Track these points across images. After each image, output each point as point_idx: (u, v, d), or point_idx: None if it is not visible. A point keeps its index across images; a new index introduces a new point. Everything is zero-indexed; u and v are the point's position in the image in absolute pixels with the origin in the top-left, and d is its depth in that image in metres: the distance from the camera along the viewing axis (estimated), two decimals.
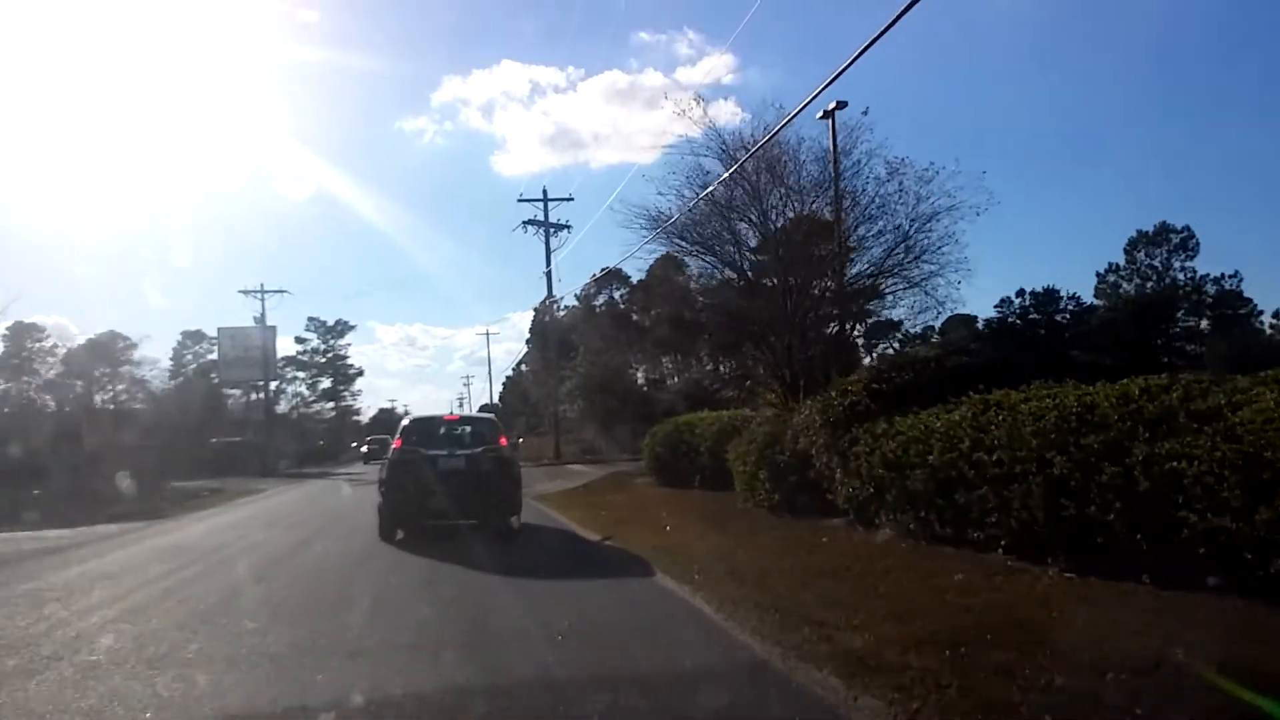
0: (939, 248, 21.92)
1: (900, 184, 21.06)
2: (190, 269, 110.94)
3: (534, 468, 37.64)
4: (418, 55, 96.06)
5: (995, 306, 40.44)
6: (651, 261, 70.69)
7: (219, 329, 55.70)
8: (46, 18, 73.18)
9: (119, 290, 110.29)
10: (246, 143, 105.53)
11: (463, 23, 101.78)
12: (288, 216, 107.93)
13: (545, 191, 39.92)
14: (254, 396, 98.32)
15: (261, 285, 51.28)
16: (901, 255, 22.16)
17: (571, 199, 40.53)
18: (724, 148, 22.77)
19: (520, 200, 39.80)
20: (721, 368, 67.84)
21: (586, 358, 47.56)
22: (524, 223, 39.71)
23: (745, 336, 21.44)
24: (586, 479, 25.39)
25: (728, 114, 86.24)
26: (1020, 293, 39.94)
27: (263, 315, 51.20)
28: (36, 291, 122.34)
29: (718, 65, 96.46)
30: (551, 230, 39.93)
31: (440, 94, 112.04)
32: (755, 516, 14.33)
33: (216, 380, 64.58)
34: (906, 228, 22.08)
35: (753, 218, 21.00)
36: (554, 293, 39.84)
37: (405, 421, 14.79)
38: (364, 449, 55.05)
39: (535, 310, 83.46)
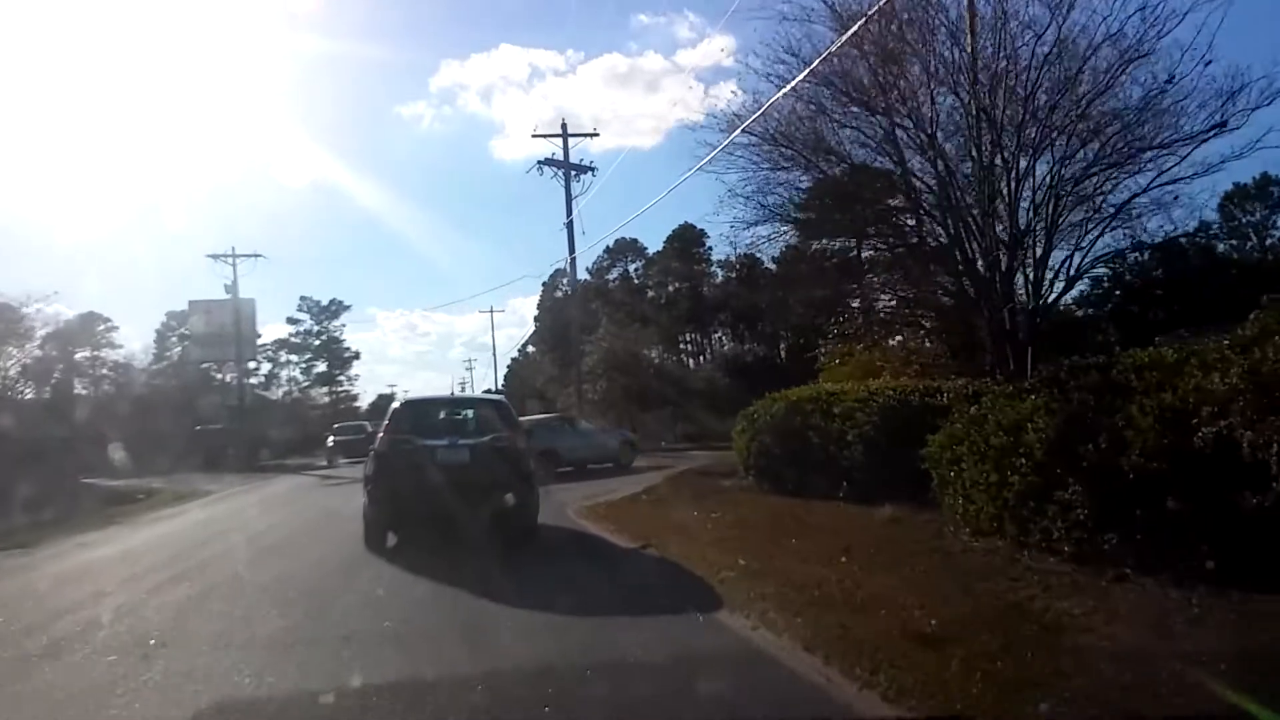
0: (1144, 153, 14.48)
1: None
2: (187, 256, 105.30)
3: None
4: (416, 40, 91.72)
5: (1108, 263, 33.00)
6: (668, 232, 63.51)
7: (190, 301, 48.05)
8: (36, 19, 68.31)
9: (114, 279, 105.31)
10: (244, 130, 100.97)
11: (460, 6, 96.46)
12: (286, 203, 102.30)
13: (564, 126, 32.48)
14: (245, 380, 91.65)
15: (233, 249, 43.66)
16: (1084, 165, 14.72)
17: (596, 134, 33.04)
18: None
19: (535, 136, 32.40)
20: (740, 340, 60.57)
21: (608, 329, 40.16)
22: (540, 163, 32.23)
23: (920, 255, 14.10)
24: (644, 481, 18.05)
25: (727, 95, 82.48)
26: (1138, 246, 32.67)
27: (234, 283, 43.53)
28: (26, 276, 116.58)
29: (717, 47, 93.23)
30: (574, 174, 32.44)
31: (439, 79, 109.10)
32: (1082, 586, 6.94)
33: (203, 363, 57.36)
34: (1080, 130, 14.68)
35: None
36: (575, 249, 32.42)
37: (396, 404, 12.56)
38: (330, 442, 41.08)
39: (544, 285, 76.20)
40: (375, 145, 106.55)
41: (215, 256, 43.12)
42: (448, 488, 10.11)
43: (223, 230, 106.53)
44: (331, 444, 40.62)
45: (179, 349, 78.66)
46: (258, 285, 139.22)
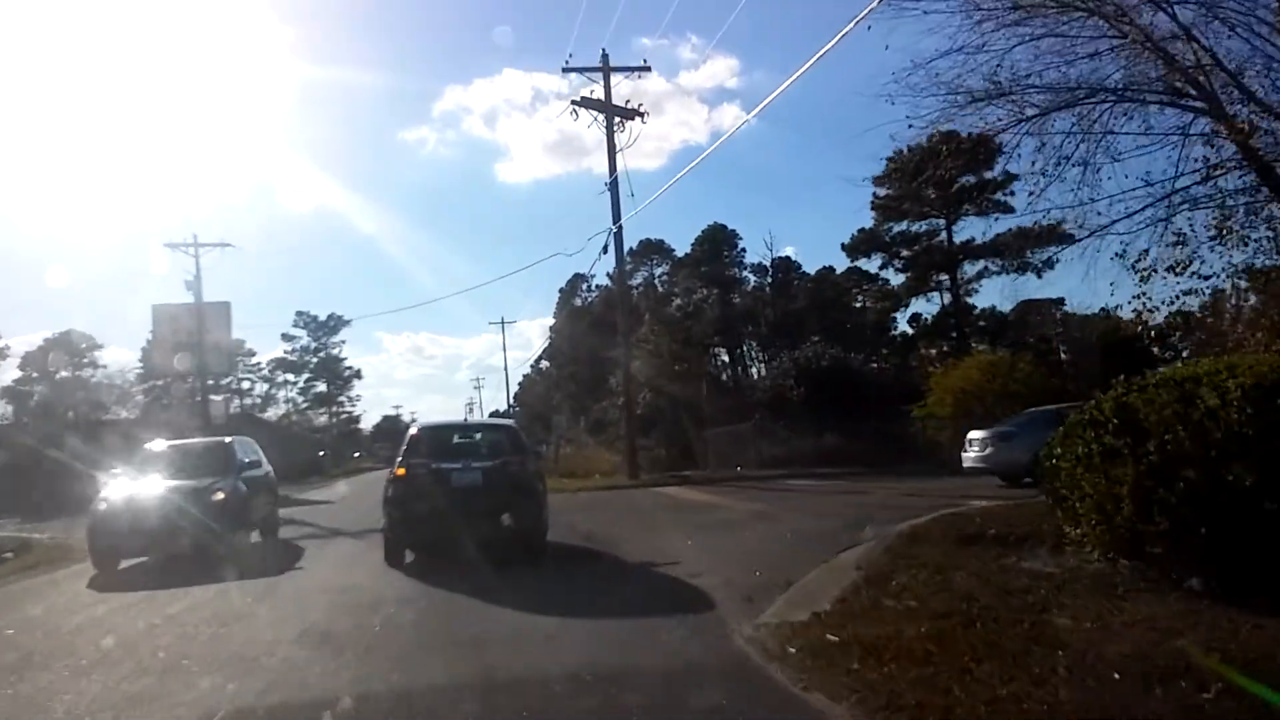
0: None
1: None
2: (190, 283, 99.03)
3: (599, 490, 22.03)
4: (420, 65, 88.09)
5: None
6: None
7: (153, 306, 39.33)
8: (50, 38, 66.00)
9: (113, 307, 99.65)
10: (250, 157, 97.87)
11: (463, 32, 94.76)
12: (291, 230, 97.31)
13: (605, 56, 24.33)
14: (208, 395, 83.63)
15: (195, 236, 35.38)
16: None
17: (648, 68, 24.85)
18: None
19: (567, 70, 24.24)
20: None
21: (652, 327, 31.82)
22: (574, 102, 24.07)
23: None
24: (811, 537, 9.57)
25: (731, 117, 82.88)
26: None
27: (197, 277, 35.15)
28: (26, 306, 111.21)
29: (721, 69, 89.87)
30: (617, 121, 24.27)
31: (442, 103, 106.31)
32: None
33: (168, 378, 49.25)
34: None
35: None
36: (621, 215, 24.08)
37: (413, 430, 11.99)
38: (99, 505, 11.94)
39: (561, 292, 68.05)
40: (379, 170, 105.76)
41: (174, 246, 34.90)
42: (461, 508, 10.24)
43: (225, 254, 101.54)
44: (101, 512, 11.93)
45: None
46: (259, 309, 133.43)
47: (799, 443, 25.54)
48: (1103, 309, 43.49)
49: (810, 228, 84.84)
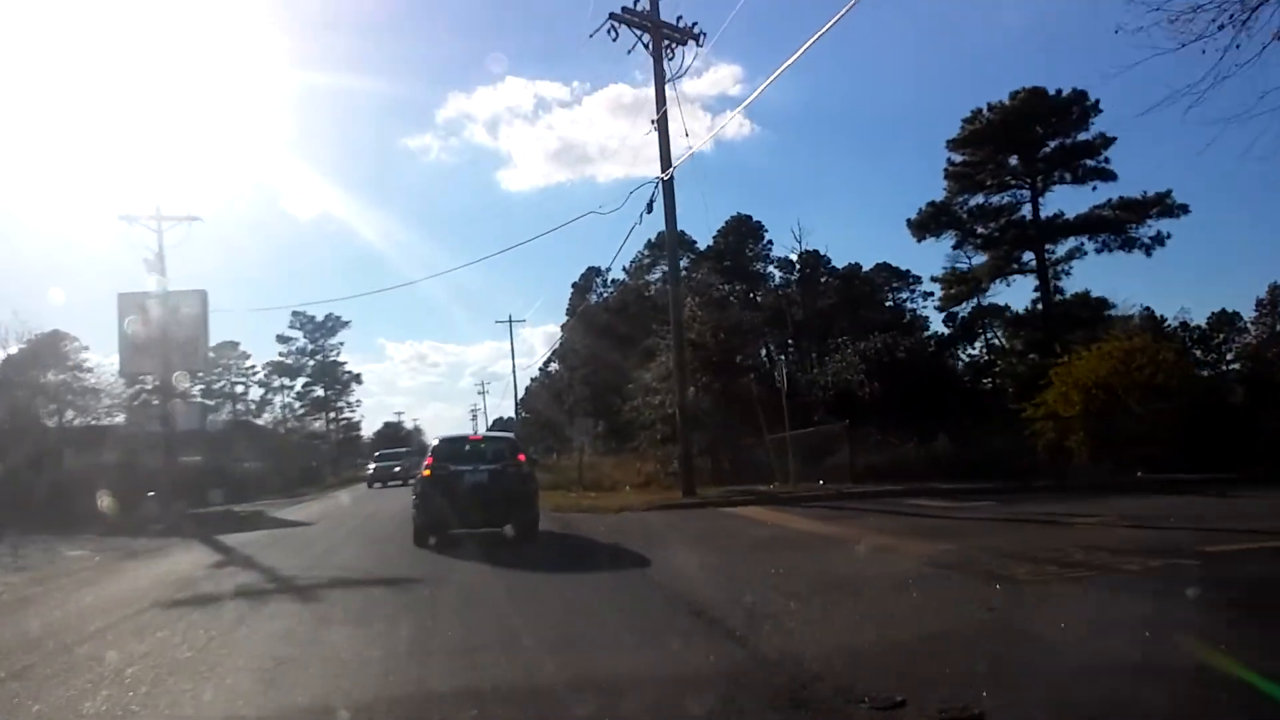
0: None
1: None
2: (191, 289, 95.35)
3: (651, 511, 16.65)
4: (422, 73, 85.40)
5: None
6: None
7: (119, 295, 33.92)
8: (48, 44, 62.56)
9: (112, 315, 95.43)
10: (253, 165, 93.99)
11: (467, 39, 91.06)
12: (293, 236, 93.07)
13: None
14: (234, 405, 78.12)
15: (158, 209, 29.98)
16: None
17: None
18: None
19: None
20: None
21: (693, 312, 26.32)
22: (613, 16, 18.63)
23: None
24: None
25: (735, 124, 79.86)
26: None
27: (160, 254, 29.74)
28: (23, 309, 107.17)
29: (724, 75, 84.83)
30: (665, 49, 18.92)
31: (445, 111, 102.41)
32: None
33: (142, 374, 43.64)
34: None
35: None
36: (672, 162, 18.67)
37: (434, 442, 15.28)
38: None
39: (574, 287, 62.87)
40: (382, 178, 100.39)
41: (132, 219, 29.48)
42: (472, 501, 12.87)
43: (229, 263, 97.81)
44: None
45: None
46: (262, 318, 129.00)
47: (896, 450, 20.11)
48: (1146, 308, 38.55)
49: (835, 225, 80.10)
